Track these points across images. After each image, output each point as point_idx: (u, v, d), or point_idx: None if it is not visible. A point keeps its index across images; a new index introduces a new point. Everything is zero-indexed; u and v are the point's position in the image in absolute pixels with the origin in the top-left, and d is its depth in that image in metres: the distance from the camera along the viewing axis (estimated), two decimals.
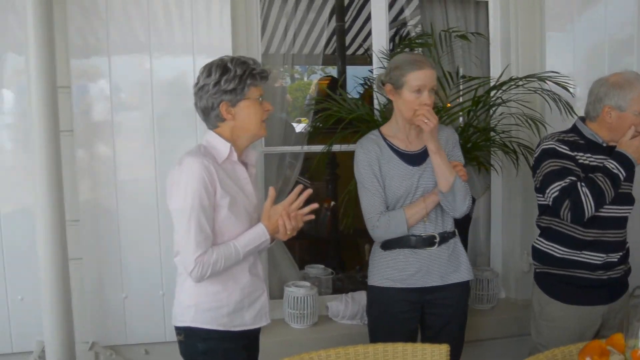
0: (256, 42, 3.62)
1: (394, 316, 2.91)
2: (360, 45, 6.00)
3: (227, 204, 2.33)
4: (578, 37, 3.78)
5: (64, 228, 3.13)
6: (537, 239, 3.01)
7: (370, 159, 2.84)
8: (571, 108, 3.44)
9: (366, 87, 4.51)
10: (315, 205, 2.43)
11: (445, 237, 2.89)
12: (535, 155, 2.94)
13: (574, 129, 2.92)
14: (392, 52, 3.71)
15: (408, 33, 4.17)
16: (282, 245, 3.93)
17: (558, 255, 2.89)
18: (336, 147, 3.69)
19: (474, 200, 4.10)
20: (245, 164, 2.53)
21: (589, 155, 2.81)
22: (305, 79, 9.19)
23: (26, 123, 3.11)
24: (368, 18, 4.66)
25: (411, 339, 2.87)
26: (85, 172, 3.30)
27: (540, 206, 2.99)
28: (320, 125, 3.76)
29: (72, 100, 3.25)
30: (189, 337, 2.43)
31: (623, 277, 2.94)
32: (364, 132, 3.50)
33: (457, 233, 2.97)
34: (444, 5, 4.05)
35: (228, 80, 2.32)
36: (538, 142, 3.01)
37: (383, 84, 2.88)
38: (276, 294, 3.80)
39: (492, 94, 3.55)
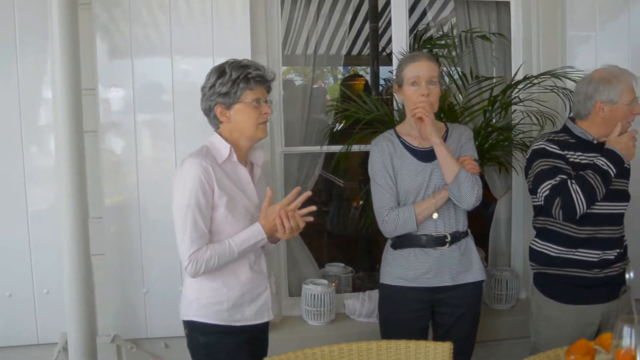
0: (277, 43, 3.67)
1: (404, 314, 2.94)
2: (384, 48, 6.02)
3: (225, 203, 2.41)
4: (600, 39, 3.75)
5: (87, 225, 3.24)
6: (532, 240, 3.03)
7: (383, 156, 2.90)
8: None
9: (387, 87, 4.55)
10: (312, 208, 2.48)
11: (456, 237, 2.90)
12: (527, 157, 2.97)
13: (564, 129, 2.95)
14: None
15: (429, 34, 4.18)
16: (301, 243, 4.00)
17: (553, 254, 2.90)
18: (355, 148, 3.74)
19: (495, 200, 4.11)
20: (250, 164, 2.60)
21: (579, 153, 2.83)
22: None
23: (52, 124, 3.23)
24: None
25: (421, 337, 2.88)
26: (109, 172, 3.39)
27: (534, 207, 3.01)
28: (340, 125, 3.82)
29: (97, 102, 3.35)
30: (191, 331, 2.53)
31: (622, 275, 2.89)
32: (382, 132, 3.56)
33: (469, 233, 2.98)
34: (467, 6, 4.05)
35: (222, 84, 2.41)
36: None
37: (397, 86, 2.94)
38: (295, 291, 3.87)
39: (507, 93, 3.55)
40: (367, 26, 6.16)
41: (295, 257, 3.98)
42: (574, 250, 2.86)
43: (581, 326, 2.85)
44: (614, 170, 2.74)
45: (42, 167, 3.34)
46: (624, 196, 2.91)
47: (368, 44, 6.55)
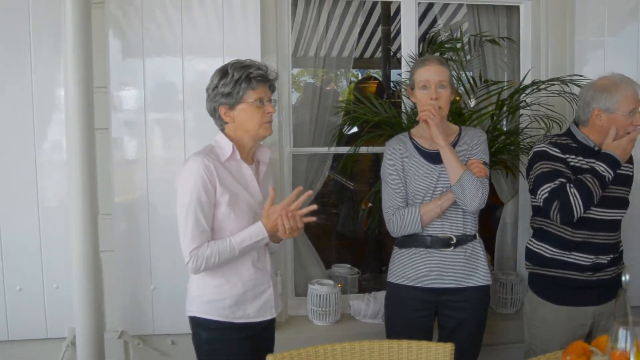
0: (286, 44, 3.71)
1: (408, 313, 2.97)
2: (395, 52, 6.03)
3: (227, 201, 2.45)
4: (609, 45, 3.76)
5: (96, 221, 3.29)
6: (529, 239, 3.06)
7: (394, 157, 2.95)
8: None
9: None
10: (314, 207, 2.51)
11: (462, 240, 2.91)
12: (528, 158, 2.99)
13: (568, 133, 2.97)
14: (421, 57, 3.76)
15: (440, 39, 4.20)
16: (308, 244, 4.03)
17: (547, 255, 2.93)
18: (363, 149, 3.77)
19: (502, 205, 4.12)
20: (257, 162, 2.64)
21: (580, 158, 2.85)
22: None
23: (64, 121, 3.28)
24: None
25: (425, 337, 2.88)
26: (119, 169, 3.44)
27: (533, 207, 3.04)
28: (350, 128, 3.85)
29: (109, 100, 3.39)
30: (195, 326, 2.58)
31: (615, 279, 2.91)
32: (389, 135, 3.58)
33: (478, 237, 2.98)
34: (477, 11, 4.07)
35: (225, 85, 2.45)
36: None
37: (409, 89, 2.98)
38: (301, 291, 3.90)
39: (515, 97, 3.57)
40: (379, 29, 6.19)
41: (301, 258, 4.00)
42: (567, 252, 2.88)
43: (573, 327, 2.87)
44: (612, 174, 2.75)
45: (53, 164, 3.40)
46: (622, 203, 2.93)
47: (380, 47, 6.59)
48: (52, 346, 3.44)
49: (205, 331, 2.55)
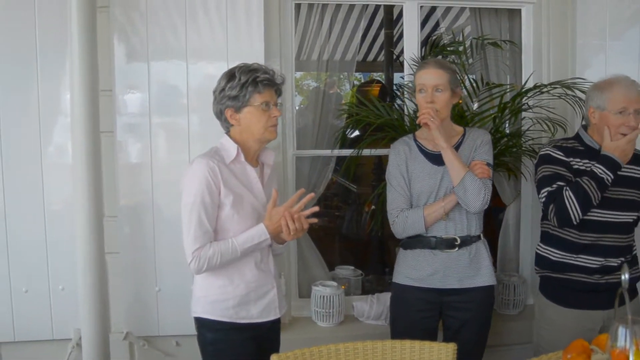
0: (290, 48, 3.73)
1: (412, 314, 2.98)
2: (398, 56, 6.06)
3: (231, 202, 2.48)
4: (610, 48, 3.77)
5: (101, 223, 3.31)
6: (537, 244, 3.06)
7: (398, 159, 2.97)
8: None
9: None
10: (315, 209, 2.53)
11: (467, 241, 2.93)
12: (535, 162, 3.00)
13: (576, 136, 2.96)
14: (423, 60, 3.78)
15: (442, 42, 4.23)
16: (312, 246, 4.05)
17: (553, 258, 2.93)
18: (366, 152, 3.80)
19: (505, 207, 4.14)
20: (262, 164, 2.67)
21: (586, 161, 2.83)
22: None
23: (69, 124, 3.31)
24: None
25: (429, 338, 2.87)
26: (124, 171, 3.47)
27: (542, 210, 3.02)
28: (353, 131, 3.88)
29: (114, 103, 3.42)
30: (199, 327, 2.61)
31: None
32: (392, 137, 3.61)
33: (482, 237, 2.99)
34: (479, 14, 4.10)
35: (232, 88, 2.48)
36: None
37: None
38: (305, 292, 3.92)
39: (517, 100, 3.59)
40: (382, 33, 6.22)
41: (305, 259, 4.03)
42: (575, 255, 2.87)
43: (581, 331, 2.79)
44: (611, 176, 2.73)
45: (58, 166, 3.42)
46: (633, 206, 2.88)
47: (383, 51, 6.61)
48: (58, 347, 3.47)
49: (209, 332, 2.57)
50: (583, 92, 3.40)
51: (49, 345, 3.49)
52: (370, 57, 7.35)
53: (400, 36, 4.12)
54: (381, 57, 7.01)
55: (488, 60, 4.04)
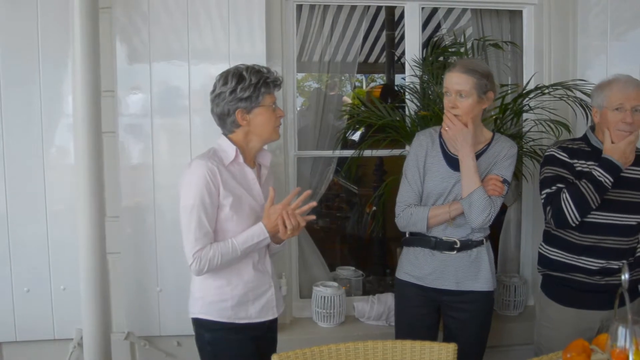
0: (292, 49, 3.74)
1: (412, 310, 3.00)
2: (399, 57, 6.07)
3: (230, 203, 2.49)
4: (612, 49, 3.77)
5: (103, 224, 3.33)
6: (540, 244, 3.07)
7: (419, 151, 2.93)
8: None
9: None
10: (313, 204, 2.55)
11: (468, 245, 2.90)
12: (540, 162, 3.01)
13: (584, 137, 2.96)
14: (424, 61, 3.79)
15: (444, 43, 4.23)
16: (313, 246, 4.06)
17: (554, 258, 2.94)
18: (367, 153, 3.81)
19: (506, 208, 4.14)
20: (259, 165, 2.68)
21: (591, 162, 2.81)
22: (364, 87, 9.31)
23: (72, 125, 3.32)
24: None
25: (429, 335, 2.92)
26: (126, 172, 3.47)
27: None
28: (354, 132, 3.89)
29: (116, 104, 3.43)
30: (198, 328, 2.62)
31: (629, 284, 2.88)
32: (393, 139, 3.62)
33: (485, 242, 2.95)
34: (480, 16, 4.10)
35: (244, 89, 2.48)
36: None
37: None
38: (306, 293, 3.93)
39: (518, 101, 3.60)
40: (383, 34, 6.23)
41: (306, 260, 4.03)
42: (576, 257, 2.87)
43: (580, 331, 2.81)
44: (610, 179, 2.72)
45: (61, 167, 3.43)
46: (637, 208, 2.86)
47: (384, 52, 6.63)
48: (60, 347, 3.49)
49: (207, 332, 2.58)
50: (584, 93, 3.41)
51: (50, 345, 3.50)
52: (372, 59, 7.36)
53: (402, 37, 4.13)
54: (382, 59, 7.03)
55: (489, 62, 4.03)
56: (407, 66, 3.85)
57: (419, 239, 2.96)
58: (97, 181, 3.28)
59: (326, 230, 5.70)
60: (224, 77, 2.54)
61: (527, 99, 3.60)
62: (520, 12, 4.03)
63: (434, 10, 4.23)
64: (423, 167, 2.91)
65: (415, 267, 2.97)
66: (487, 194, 2.76)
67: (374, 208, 5.69)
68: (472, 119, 2.78)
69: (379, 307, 3.73)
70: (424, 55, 3.87)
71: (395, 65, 6.29)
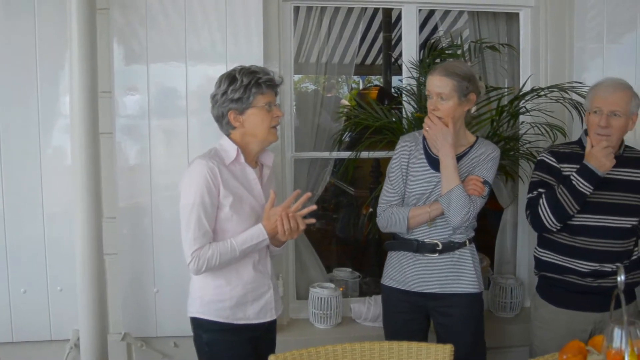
0: (289, 51, 3.75)
1: (397, 315, 3.00)
2: (396, 59, 6.09)
3: (230, 203, 2.50)
4: (608, 51, 3.77)
5: (100, 225, 3.32)
6: (535, 247, 3.08)
7: (403, 154, 2.95)
8: None
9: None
10: (313, 207, 2.56)
11: (450, 247, 2.89)
12: None
13: (578, 140, 2.97)
14: (421, 63, 3.80)
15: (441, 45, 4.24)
16: (310, 248, 4.07)
17: (544, 259, 2.96)
18: (364, 154, 3.82)
19: (502, 210, 4.15)
20: (261, 165, 2.69)
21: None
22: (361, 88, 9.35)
23: (69, 126, 3.31)
24: None
25: (418, 340, 2.80)
26: (123, 173, 3.48)
27: None
28: (350, 134, 3.90)
29: (113, 105, 3.44)
30: (196, 327, 2.62)
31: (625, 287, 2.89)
32: (390, 140, 3.62)
33: (469, 244, 2.94)
34: (477, 18, 4.11)
35: (234, 90, 2.49)
36: None
37: None
38: (302, 294, 3.93)
39: (514, 103, 3.61)
40: (380, 36, 6.25)
41: (303, 262, 4.04)
42: (568, 259, 2.88)
43: (572, 332, 2.80)
44: (585, 183, 2.72)
45: (58, 168, 3.43)
46: (631, 211, 2.85)
47: (381, 54, 6.65)
48: (56, 348, 3.48)
49: (205, 332, 2.59)
50: (580, 95, 3.42)
51: (47, 346, 3.50)
52: (369, 60, 7.39)
53: (399, 39, 4.14)
54: (379, 60, 7.06)
55: (486, 64, 4.05)
56: (404, 68, 3.85)
57: (401, 243, 2.95)
58: (94, 182, 3.26)
59: (323, 232, 5.71)
60: (220, 79, 2.58)
61: (523, 101, 3.61)
62: (517, 14, 4.04)
63: (431, 12, 4.25)
64: (406, 169, 2.93)
65: (399, 271, 2.96)
66: (466, 192, 2.77)
67: (371, 210, 5.72)
68: (453, 119, 2.81)
69: (376, 308, 3.74)
70: (421, 57, 3.88)
71: (392, 67, 6.32)
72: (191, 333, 2.69)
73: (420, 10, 3.92)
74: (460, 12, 4.24)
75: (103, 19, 3.37)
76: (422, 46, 3.96)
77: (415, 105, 3.72)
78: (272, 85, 2.56)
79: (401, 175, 2.93)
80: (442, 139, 2.78)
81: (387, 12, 5.56)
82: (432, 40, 4.11)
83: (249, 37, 3.49)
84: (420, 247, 2.90)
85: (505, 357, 3.75)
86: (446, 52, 3.85)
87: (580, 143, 2.93)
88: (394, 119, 3.73)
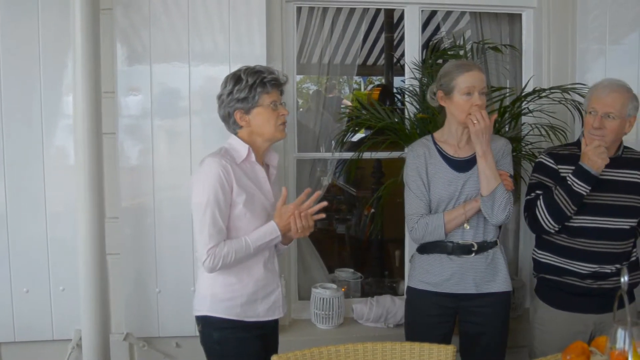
0: (292, 51, 3.75)
1: (427, 318, 2.96)
2: (398, 59, 6.09)
3: (243, 201, 2.52)
4: (610, 52, 3.78)
5: (103, 225, 3.32)
6: (533, 248, 3.09)
7: (418, 162, 2.90)
8: None
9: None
10: (324, 204, 2.60)
11: (484, 247, 2.88)
12: None
13: (577, 141, 2.96)
14: (424, 63, 3.80)
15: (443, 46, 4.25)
16: (312, 248, 4.07)
17: (543, 260, 2.97)
18: (367, 155, 3.82)
19: None
20: (267, 166, 2.70)
21: None
22: (363, 89, 9.33)
23: (71, 126, 3.32)
24: None
25: (445, 342, 2.84)
26: (125, 173, 3.48)
27: None
28: (352, 135, 3.90)
29: (116, 105, 3.44)
30: (205, 326, 2.62)
31: (618, 289, 2.87)
32: (392, 141, 3.62)
33: (499, 243, 2.95)
34: (479, 18, 4.11)
35: (240, 90, 2.51)
36: None
37: (435, 94, 2.91)
38: (304, 295, 3.94)
39: (517, 104, 3.61)
40: (382, 36, 6.24)
41: (305, 262, 4.05)
42: (567, 260, 2.88)
43: (571, 333, 2.77)
44: (581, 184, 2.72)
45: (61, 168, 3.43)
46: (631, 212, 2.85)
47: (383, 54, 6.64)
48: (58, 348, 3.49)
49: (216, 331, 2.59)
50: (582, 96, 3.42)
51: (49, 346, 3.50)
52: (371, 61, 7.39)
53: (401, 40, 4.15)
54: (382, 61, 7.05)
55: (488, 64, 4.05)
56: (406, 68, 3.85)
57: (436, 245, 2.90)
58: (97, 182, 3.27)
59: (325, 232, 5.71)
60: (225, 79, 2.60)
61: (525, 102, 3.61)
62: (520, 15, 4.04)
63: (433, 13, 4.24)
64: (426, 176, 2.89)
65: (432, 274, 2.92)
66: (506, 189, 2.78)
67: (373, 210, 5.72)
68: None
69: (378, 309, 3.74)
70: (423, 57, 3.88)
71: (394, 67, 6.31)
72: (193, 333, 2.69)
73: (422, 10, 3.91)
74: (463, 13, 4.23)
75: (106, 19, 3.38)
76: (425, 46, 3.96)
77: (417, 106, 3.71)
78: (277, 84, 2.58)
79: (422, 183, 2.89)
80: (487, 137, 2.74)
81: (389, 12, 5.55)
82: (435, 41, 4.11)
83: (252, 37, 3.49)
84: (455, 249, 2.88)
85: (507, 358, 3.74)
86: (448, 52, 3.85)
87: (578, 144, 2.92)
88: (396, 120, 3.73)
